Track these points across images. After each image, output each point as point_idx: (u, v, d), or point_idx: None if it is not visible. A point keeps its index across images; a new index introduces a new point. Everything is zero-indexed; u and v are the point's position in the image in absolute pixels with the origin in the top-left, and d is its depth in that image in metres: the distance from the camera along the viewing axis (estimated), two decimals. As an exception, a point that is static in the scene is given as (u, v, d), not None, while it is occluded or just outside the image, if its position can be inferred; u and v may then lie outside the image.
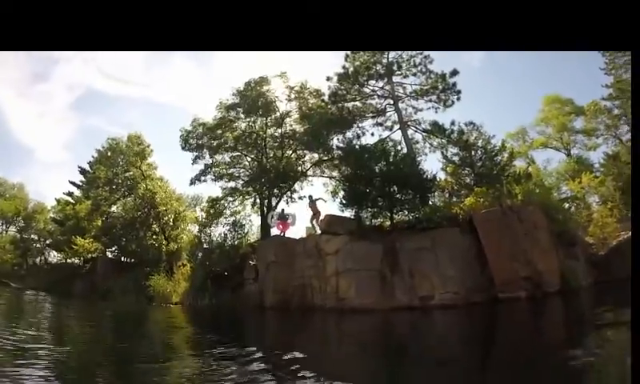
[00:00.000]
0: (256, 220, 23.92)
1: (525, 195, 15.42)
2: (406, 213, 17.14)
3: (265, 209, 22.08)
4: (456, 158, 19.29)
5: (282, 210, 20.12)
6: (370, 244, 15.18)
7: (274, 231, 19.45)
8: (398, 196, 16.96)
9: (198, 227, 25.07)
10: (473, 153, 18.72)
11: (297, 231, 19.60)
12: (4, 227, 41.63)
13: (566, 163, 30.33)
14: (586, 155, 30.55)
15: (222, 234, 21.91)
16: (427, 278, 13.96)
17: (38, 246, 39.07)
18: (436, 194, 18.38)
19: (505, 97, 56.27)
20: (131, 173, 29.28)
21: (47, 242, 37.80)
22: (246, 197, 23.51)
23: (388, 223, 16.71)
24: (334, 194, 21.78)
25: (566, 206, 19.64)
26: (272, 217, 19.36)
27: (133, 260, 28.27)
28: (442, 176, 18.91)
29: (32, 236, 39.26)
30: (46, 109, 73.63)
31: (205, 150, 22.92)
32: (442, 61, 36.27)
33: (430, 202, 17.14)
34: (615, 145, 28.60)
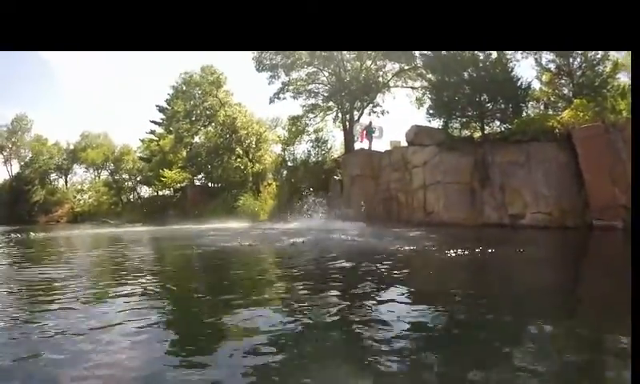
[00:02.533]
0: (339, 135, 23.89)
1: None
2: (498, 124, 16.22)
3: (347, 123, 21.82)
4: (552, 66, 17.42)
5: (370, 122, 19.69)
6: (460, 156, 14.62)
7: (359, 145, 19.38)
8: (488, 105, 15.97)
9: (280, 146, 25.52)
10: (571, 60, 16.75)
11: (381, 144, 19.37)
12: (96, 173, 45.27)
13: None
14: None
15: (306, 151, 22.35)
16: (519, 194, 13.30)
17: (129, 184, 41.93)
18: (530, 104, 16.93)
19: None
20: (209, 102, 29.92)
21: (138, 179, 40.61)
22: (327, 112, 23.29)
23: (478, 134, 15.88)
24: (420, 102, 20.99)
25: None
26: (359, 127, 19.16)
27: (220, 184, 29.51)
28: (536, 85, 17.30)
29: (123, 176, 42.00)
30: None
31: (279, 69, 22.59)
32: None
33: (524, 114, 15.92)
34: None
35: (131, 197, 41.71)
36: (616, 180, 11.71)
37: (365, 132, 18.65)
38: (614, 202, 11.63)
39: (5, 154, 48.70)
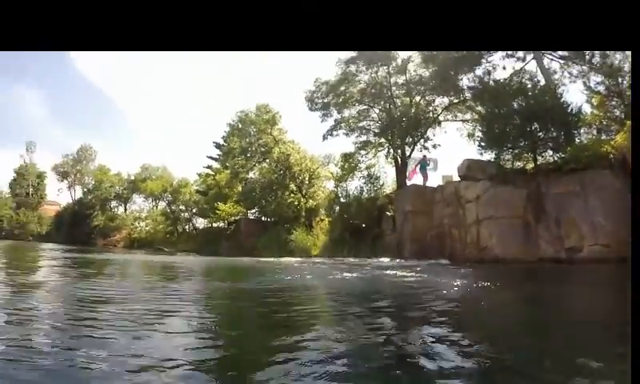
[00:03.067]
0: (391, 171, 24.10)
1: None
2: (551, 153, 15.81)
3: (399, 159, 22.11)
4: (601, 88, 16.97)
5: (424, 156, 19.92)
6: (513, 189, 14.43)
7: (411, 181, 19.52)
8: (540, 134, 15.55)
9: (333, 183, 25.99)
10: (620, 80, 16.19)
11: (431, 180, 19.38)
12: (154, 203, 47.60)
13: None
14: None
15: (358, 187, 22.60)
16: (575, 226, 12.80)
17: (185, 215, 43.78)
18: (582, 130, 16.43)
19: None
20: (263, 140, 31.13)
21: (193, 210, 42.26)
22: (379, 148, 23.71)
23: (531, 165, 15.60)
24: (471, 136, 21.01)
25: None
26: (412, 162, 19.37)
27: (273, 219, 30.40)
28: (587, 109, 16.83)
29: (180, 207, 43.20)
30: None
31: (331, 108, 23.48)
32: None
33: (577, 140, 15.46)
34: None
35: (187, 227, 43.43)
36: None
37: (418, 167, 18.86)
38: None
39: (69, 180, 54.01)
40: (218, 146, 38.35)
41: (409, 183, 19.98)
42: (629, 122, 13.87)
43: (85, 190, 52.51)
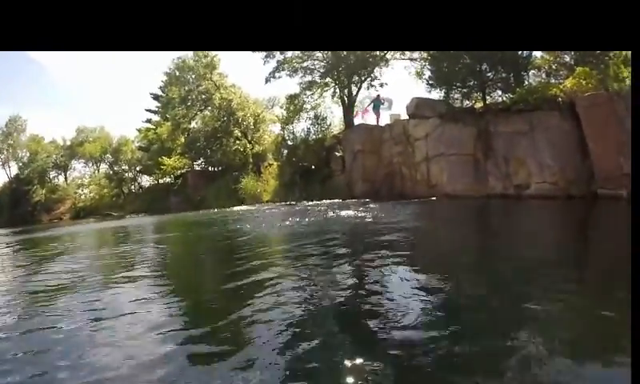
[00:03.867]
0: (338, 111, 23.68)
1: None
2: (500, 93, 16.00)
3: (346, 99, 21.62)
4: (553, 32, 17.35)
5: (378, 95, 19.46)
6: (462, 127, 14.41)
7: (359, 120, 19.21)
8: (489, 75, 15.71)
9: (279, 126, 25.34)
10: None
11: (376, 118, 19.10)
12: (96, 167, 45.00)
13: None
14: None
15: (305, 129, 22.12)
16: (523, 164, 13.13)
17: (129, 175, 41.87)
18: (532, 73, 16.68)
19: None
20: (204, 86, 29.66)
21: (137, 168, 40.52)
22: (325, 88, 22.91)
23: (480, 104, 15.64)
24: (419, 75, 20.64)
25: None
26: (367, 100, 18.99)
27: (220, 168, 29.42)
28: (537, 54, 16.80)
29: (123, 167, 41.91)
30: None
31: None
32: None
33: (526, 83, 15.66)
34: None
35: (132, 187, 41.65)
36: (620, 149, 11.48)
37: (371, 106, 18.44)
38: (618, 170, 11.47)
39: (2, 156, 48.41)
40: (156, 97, 36.15)
41: (358, 122, 19.62)
42: (578, 68, 14.11)
43: (20, 164, 47.53)
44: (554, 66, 17.13)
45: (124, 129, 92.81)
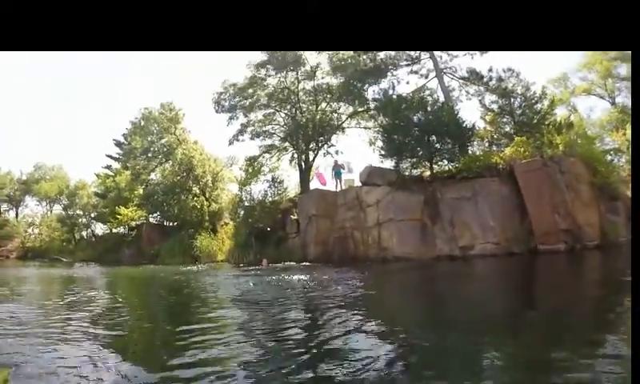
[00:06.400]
0: (294, 175, 24.16)
1: (566, 146, 14.97)
2: (446, 162, 16.93)
3: (303, 164, 22.27)
4: (495, 106, 18.67)
5: (335, 161, 20.15)
6: (411, 194, 15.22)
7: (314, 184, 19.61)
8: (437, 145, 16.70)
9: (237, 186, 25.36)
10: (512, 100, 18.03)
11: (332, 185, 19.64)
12: (49, 207, 43.39)
13: (610, 113, 28.90)
14: (632, 104, 28.91)
15: (262, 191, 22.30)
16: (468, 227, 14.03)
17: (83, 220, 40.15)
18: (475, 143, 17.94)
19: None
20: (166, 139, 29.82)
21: (92, 215, 38.85)
22: (283, 152, 23.74)
23: (428, 173, 16.54)
24: (372, 143, 21.61)
25: (609, 158, 18.63)
26: (324, 167, 19.68)
27: (176, 223, 28.93)
28: (480, 125, 18.43)
29: (77, 212, 40.11)
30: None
31: (238, 111, 23.14)
32: None
33: (470, 152, 16.84)
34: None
35: (85, 233, 39.94)
36: (556, 208, 13.03)
37: (333, 173, 19.05)
38: (555, 227, 12.89)
39: None
40: (118, 143, 35.63)
41: (313, 187, 20.09)
42: (517, 138, 15.41)
43: (-30, 195, 45.34)
44: (495, 136, 18.46)
45: (83, 170, 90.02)
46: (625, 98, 29.47)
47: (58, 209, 42.32)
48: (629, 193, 14.85)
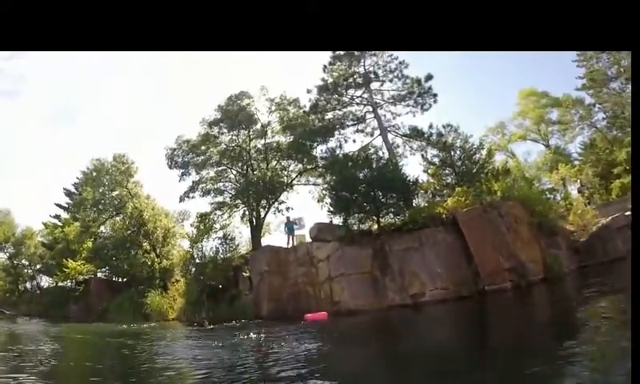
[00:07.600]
0: (246, 232, 24.34)
1: (504, 191, 16.00)
2: (392, 216, 17.52)
3: (254, 220, 22.50)
4: (436, 160, 19.78)
5: (288, 218, 20.60)
6: (360, 248, 15.71)
7: (265, 241, 19.83)
8: (383, 200, 17.25)
9: (189, 243, 25.25)
10: (452, 153, 19.16)
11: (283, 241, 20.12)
12: (-6, 254, 40.62)
13: (545, 155, 31.23)
14: (565, 145, 31.58)
15: (214, 248, 22.21)
16: (417, 276, 14.60)
17: (29, 271, 38.48)
18: (419, 195, 18.81)
19: (483, 92, 57.07)
20: (118, 192, 29.34)
21: (38, 266, 37.40)
22: (234, 209, 23.89)
23: (375, 227, 17.04)
24: (320, 200, 22.25)
25: (546, 196, 20.14)
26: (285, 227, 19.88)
27: (125, 279, 28.24)
28: (423, 178, 19.47)
29: (23, 261, 38.50)
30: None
31: (191, 167, 23.38)
32: (417, 61, 36.86)
33: (414, 204, 17.64)
34: (591, 133, 29.44)
35: (29, 286, 38.22)
36: (498, 249, 13.84)
37: (285, 229, 19.43)
38: (499, 267, 13.65)
39: None
40: (69, 193, 34.66)
41: (265, 243, 20.27)
42: (458, 188, 16.47)
43: None
44: (437, 188, 19.47)
45: (31, 216, 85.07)
46: (557, 140, 32.06)
47: (1, 257, 39.69)
48: (567, 226, 16.11)
